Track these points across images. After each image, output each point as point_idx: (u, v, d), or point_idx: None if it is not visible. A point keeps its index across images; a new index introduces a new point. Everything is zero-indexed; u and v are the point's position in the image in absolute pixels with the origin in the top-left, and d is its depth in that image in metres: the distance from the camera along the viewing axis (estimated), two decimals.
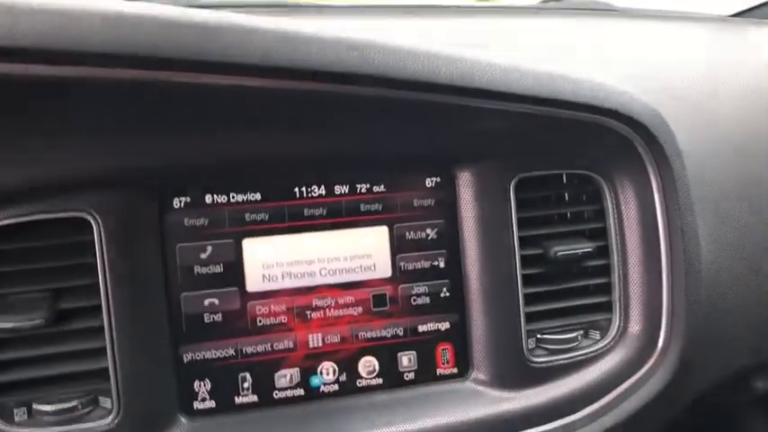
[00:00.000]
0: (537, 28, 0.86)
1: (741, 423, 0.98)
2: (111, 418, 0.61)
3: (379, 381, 0.68)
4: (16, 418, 0.60)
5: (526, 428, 0.66)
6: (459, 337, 0.70)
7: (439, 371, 0.69)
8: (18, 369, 0.60)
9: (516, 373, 0.68)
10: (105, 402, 0.62)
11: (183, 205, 0.64)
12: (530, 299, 0.69)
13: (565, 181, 0.72)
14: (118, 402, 0.60)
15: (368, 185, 0.68)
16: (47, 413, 0.60)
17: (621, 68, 0.74)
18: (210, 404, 0.65)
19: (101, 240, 0.59)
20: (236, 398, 0.65)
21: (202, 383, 0.65)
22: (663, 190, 0.67)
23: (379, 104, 0.58)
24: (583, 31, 0.86)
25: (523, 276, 0.68)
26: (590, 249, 0.69)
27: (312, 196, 0.66)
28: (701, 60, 0.81)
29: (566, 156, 0.69)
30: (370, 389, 0.68)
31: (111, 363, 0.60)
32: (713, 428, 1.00)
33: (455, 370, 0.70)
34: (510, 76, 0.60)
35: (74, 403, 0.60)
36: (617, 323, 0.71)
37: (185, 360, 0.64)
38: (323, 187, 0.67)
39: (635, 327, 0.70)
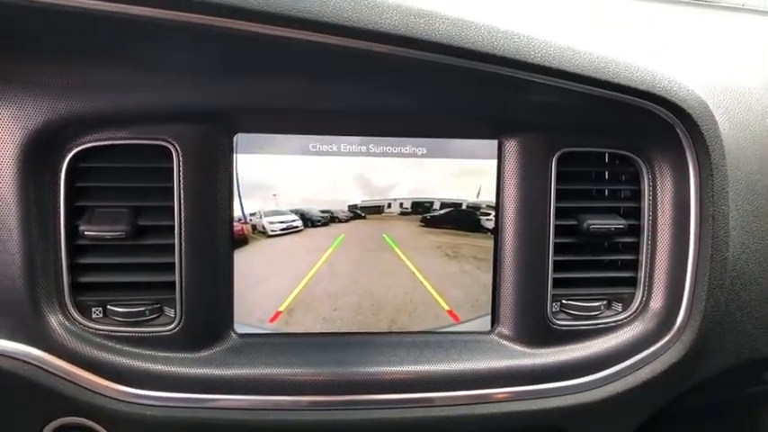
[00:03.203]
0: (593, 5, 0.89)
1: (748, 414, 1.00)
2: (173, 325, 0.69)
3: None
4: (93, 316, 0.69)
5: (542, 383, 0.71)
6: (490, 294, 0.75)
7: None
8: (98, 273, 0.69)
9: (538, 332, 0.73)
10: (169, 312, 0.70)
11: None
12: (559, 266, 0.74)
13: (607, 159, 0.76)
14: (180, 313, 0.69)
15: (420, 148, 0.73)
16: (119, 314, 0.69)
17: (674, 55, 0.77)
18: (259, 329, 0.72)
19: (179, 167, 0.67)
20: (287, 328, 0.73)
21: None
22: (699, 177, 0.70)
23: (440, 69, 0.63)
24: (640, 15, 0.88)
25: (555, 244, 0.73)
26: (622, 226, 0.73)
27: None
28: (757, 54, 0.82)
29: (609, 135, 0.73)
30: (402, 331, 0.74)
31: (178, 277, 0.68)
32: (718, 415, 1.03)
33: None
34: (564, 55, 0.64)
35: (142, 309, 0.69)
36: (639, 298, 0.75)
37: None
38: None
39: (656, 303, 0.74)
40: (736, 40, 0.86)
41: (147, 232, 0.69)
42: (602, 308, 0.75)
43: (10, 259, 0.65)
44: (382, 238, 0.72)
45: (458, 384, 0.70)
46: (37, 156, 0.65)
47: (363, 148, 0.71)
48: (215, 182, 0.69)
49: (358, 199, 0.71)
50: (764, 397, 0.97)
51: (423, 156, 0.72)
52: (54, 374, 0.65)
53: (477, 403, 0.71)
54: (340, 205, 0.71)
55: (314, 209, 0.71)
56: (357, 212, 0.72)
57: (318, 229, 0.71)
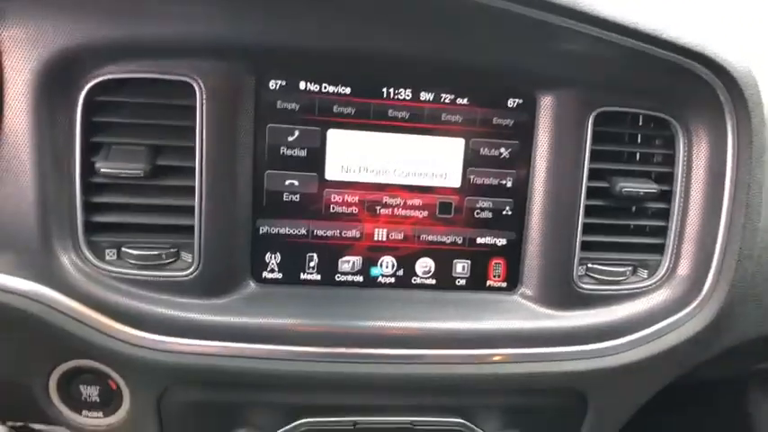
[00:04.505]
0: None
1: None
2: (190, 270, 0.66)
3: (433, 281, 0.73)
4: (107, 258, 0.66)
5: (564, 345, 0.70)
6: (514, 254, 0.73)
7: (489, 282, 0.74)
8: (113, 213, 0.66)
9: (563, 294, 0.72)
10: (186, 257, 0.67)
11: (278, 87, 0.67)
12: (587, 229, 0.72)
13: (641, 122, 0.74)
14: (198, 258, 0.66)
15: (452, 96, 0.70)
16: (133, 257, 0.66)
17: (719, 20, 0.74)
18: (278, 275, 0.71)
19: (202, 105, 0.64)
20: (301, 274, 0.71)
21: (273, 256, 0.70)
22: (737, 142, 0.68)
23: (477, 12, 0.60)
24: None
25: (585, 207, 0.71)
26: (654, 191, 0.72)
27: (398, 98, 0.69)
28: None
29: (647, 96, 0.71)
30: (423, 287, 0.73)
31: (198, 220, 0.65)
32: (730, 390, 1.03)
33: (504, 284, 0.74)
34: (614, 6, 0.61)
35: (158, 252, 0.66)
36: (666, 265, 0.74)
37: (261, 232, 0.69)
38: (409, 91, 0.69)
39: (683, 271, 0.73)
40: None
41: (166, 172, 0.66)
42: (628, 273, 0.74)
43: (22, 194, 0.62)
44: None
45: (477, 343, 0.69)
46: (53, 85, 0.61)
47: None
48: (238, 123, 0.66)
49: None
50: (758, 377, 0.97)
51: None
52: (66, 315, 0.63)
53: (496, 363, 0.69)
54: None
55: None
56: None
57: None
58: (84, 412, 0.69)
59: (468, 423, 0.71)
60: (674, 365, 0.75)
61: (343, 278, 0.72)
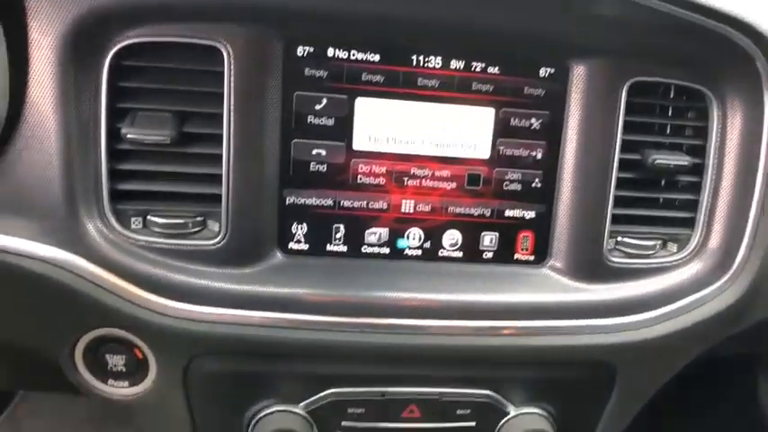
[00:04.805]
0: None
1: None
2: (217, 240, 0.66)
3: (460, 254, 0.72)
4: (132, 226, 0.66)
5: (592, 318, 0.70)
6: (542, 227, 0.72)
7: (517, 255, 0.73)
8: (139, 181, 0.65)
9: (592, 267, 0.71)
10: (213, 226, 0.67)
11: (305, 54, 0.66)
12: (617, 202, 0.71)
13: (673, 94, 0.72)
14: (225, 226, 0.65)
15: (483, 65, 0.69)
16: (159, 225, 0.65)
17: None
18: (304, 247, 0.70)
19: (230, 71, 0.62)
20: (327, 245, 0.70)
21: (300, 226, 0.69)
22: None
23: None
24: None
25: (617, 179, 0.70)
26: (686, 164, 0.70)
27: (428, 66, 0.68)
28: None
29: (683, 66, 0.69)
30: (449, 259, 0.72)
31: (225, 188, 0.64)
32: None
33: (532, 257, 0.73)
34: None
35: (184, 221, 0.66)
36: (696, 240, 0.73)
37: (287, 202, 0.68)
38: (440, 59, 0.68)
39: (714, 246, 0.72)
40: None
41: (193, 140, 0.65)
42: (658, 247, 0.73)
43: (47, 160, 0.61)
44: None
45: (505, 315, 0.69)
46: (79, 49, 0.60)
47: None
48: (266, 90, 0.64)
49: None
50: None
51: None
52: (92, 282, 0.62)
53: (524, 335, 0.69)
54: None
55: None
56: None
57: None
58: (110, 381, 0.68)
59: (495, 395, 0.71)
60: (701, 340, 0.74)
61: (369, 250, 0.71)
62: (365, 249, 0.71)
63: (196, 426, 0.71)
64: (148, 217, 0.65)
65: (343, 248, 0.70)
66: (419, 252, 0.72)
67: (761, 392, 1.88)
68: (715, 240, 0.72)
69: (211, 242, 0.66)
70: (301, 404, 0.69)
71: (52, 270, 0.62)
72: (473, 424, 0.72)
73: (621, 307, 0.70)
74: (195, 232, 0.66)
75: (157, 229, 0.65)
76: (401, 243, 0.72)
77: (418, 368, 0.70)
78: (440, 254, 0.72)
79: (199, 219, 0.66)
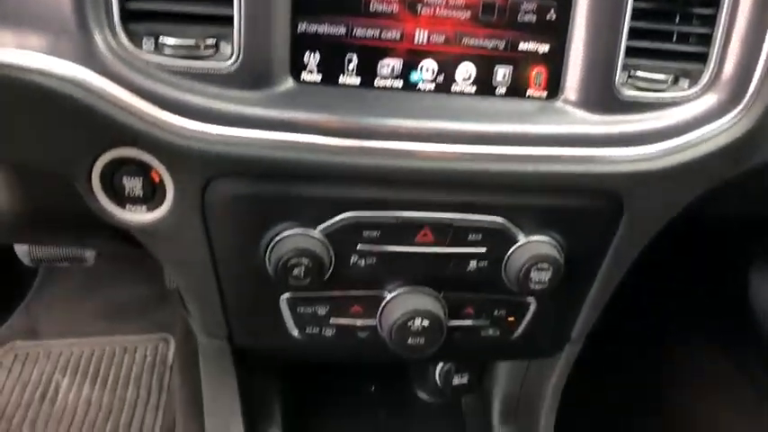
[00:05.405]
0: None
1: None
2: (230, 62, 0.65)
3: (473, 88, 0.72)
4: (144, 47, 0.65)
5: (603, 146, 0.71)
6: (556, 62, 0.72)
7: (530, 91, 0.73)
8: (149, 0, 0.64)
9: (604, 100, 0.71)
10: (226, 49, 0.66)
11: None
12: (630, 33, 0.70)
13: None
14: (238, 49, 0.65)
15: None
16: (171, 46, 0.64)
17: None
18: (316, 77, 0.69)
19: None
20: (340, 76, 0.70)
21: (312, 56, 0.69)
22: None
23: None
24: None
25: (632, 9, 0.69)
26: None
27: None
28: None
29: None
30: (463, 94, 0.72)
31: (237, 9, 0.64)
32: None
33: (545, 93, 0.73)
34: None
35: (196, 42, 0.65)
36: (709, 74, 0.73)
37: (299, 29, 0.67)
38: None
39: (725, 79, 0.72)
40: None
41: None
42: (670, 82, 0.73)
43: None
44: None
45: (516, 141, 0.69)
46: None
47: None
48: None
49: None
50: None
51: None
52: (106, 100, 0.62)
53: (534, 161, 0.70)
54: None
55: None
56: None
57: None
58: (128, 206, 0.69)
59: (506, 222, 0.72)
60: (705, 176, 0.75)
61: (382, 83, 0.71)
62: (378, 82, 0.70)
63: (214, 252, 0.73)
64: (160, 38, 0.65)
65: (356, 80, 0.70)
66: (432, 86, 0.71)
67: (752, 291, 1.93)
68: (727, 74, 0.72)
69: (225, 64, 0.65)
70: (318, 227, 0.71)
71: (67, 86, 0.61)
72: (483, 250, 0.74)
73: (631, 138, 0.71)
74: (208, 55, 0.65)
75: (169, 51, 0.64)
76: (414, 76, 0.71)
77: (431, 193, 0.71)
78: (453, 88, 0.72)
79: (210, 41, 0.65)
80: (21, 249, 1.54)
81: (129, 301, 1.87)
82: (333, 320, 0.81)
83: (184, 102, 0.64)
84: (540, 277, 0.75)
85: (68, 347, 1.75)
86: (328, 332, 0.82)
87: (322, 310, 0.80)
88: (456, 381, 1.05)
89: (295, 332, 0.82)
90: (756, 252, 1.88)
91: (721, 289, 1.96)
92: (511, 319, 0.84)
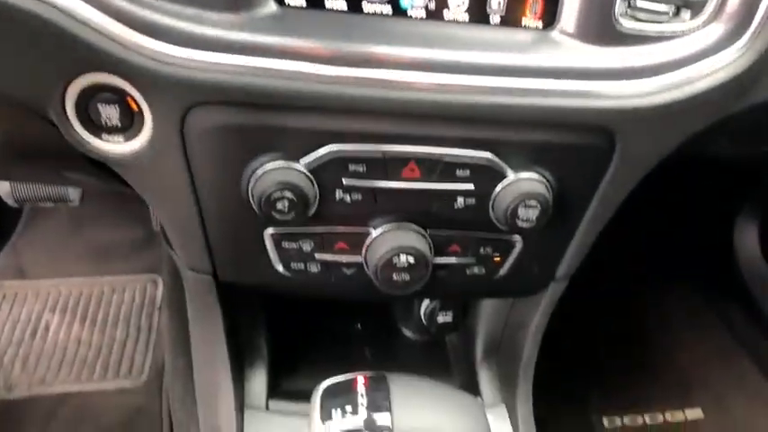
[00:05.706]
0: None
1: None
2: None
3: (466, 16, 0.69)
4: None
5: (599, 80, 0.68)
6: None
7: (525, 20, 0.69)
8: None
9: (602, 31, 0.68)
10: None
11: None
12: None
13: None
14: None
15: None
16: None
17: None
18: (301, 1, 0.66)
19: None
20: (326, 0, 0.67)
21: None
22: None
23: None
24: None
25: None
26: None
27: None
28: None
29: None
30: (455, 22, 0.69)
31: None
32: None
33: (540, 23, 0.70)
34: None
35: None
36: (712, 5, 0.69)
37: None
38: None
39: (728, 12, 0.69)
40: None
41: None
42: (671, 14, 0.70)
43: None
44: None
45: (509, 73, 0.67)
46: None
47: None
48: None
49: None
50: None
51: None
52: (78, 21, 0.58)
53: (524, 95, 0.67)
54: None
55: None
56: None
57: None
58: (104, 136, 0.67)
59: (494, 158, 0.71)
60: (701, 114, 0.73)
61: (370, 9, 0.67)
62: (366, 8, 0.67)
63: (196, 185, 0.71)
64: None
65: (343, 5, 0.66)
66: (423, 13, 0.68)
67: (736, 237, 1.95)
68: (731, 6, 0.69)
69: None
70: (302, 160, 0.69)
71: (40, 6, 0.58)
72: (471, 186, 0.72)
73: (628, 72, 0.68)
74: None
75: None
76: (404, 2, 0.68)
77: (418, 126, 0.69)
78: (445, 16, 0.68)
79: None
80: (3, 189, 1.51)
81: (116, 243, 1.87)
82: (318, 256, 0.80)
83: (163, 24, 0.60)
84: (528, 215, 0.74)
85: (57, 287, 1.76)
86: (313, 268, 0.81)
87: (307, 246, 0.79)
88: (440, 319, 1.06)
89: (280, 267, 0.81)
90: (744, 198, 1.89)
91: (708, 234, 1.98)
92: (497, 257, 0.84)
